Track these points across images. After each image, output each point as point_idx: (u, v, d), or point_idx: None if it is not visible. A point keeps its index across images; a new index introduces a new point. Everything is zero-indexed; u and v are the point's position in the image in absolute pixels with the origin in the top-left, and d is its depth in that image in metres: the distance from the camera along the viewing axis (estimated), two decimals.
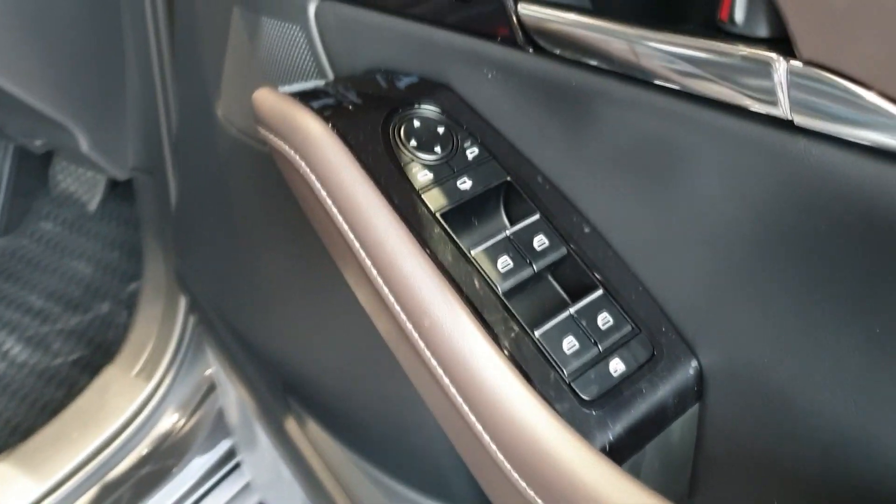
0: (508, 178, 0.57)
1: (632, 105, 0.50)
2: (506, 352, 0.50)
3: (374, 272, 0.52)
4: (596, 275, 0.55)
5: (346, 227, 0.53)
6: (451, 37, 0.59)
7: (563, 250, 0.55)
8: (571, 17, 0.51)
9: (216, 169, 0.90)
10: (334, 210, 0.54)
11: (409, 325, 0.51)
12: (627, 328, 0.53)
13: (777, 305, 0.48)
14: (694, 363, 0.53)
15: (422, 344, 0.50)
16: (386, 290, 0.52)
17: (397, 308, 0.51)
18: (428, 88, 0.61)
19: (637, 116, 0.50)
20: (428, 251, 0.52)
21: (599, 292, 0.54)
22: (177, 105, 1.00)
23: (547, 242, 0.55)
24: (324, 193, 0.54)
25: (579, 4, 0.53)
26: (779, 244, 0.46)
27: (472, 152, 0.58)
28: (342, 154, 0.54)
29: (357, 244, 0.53)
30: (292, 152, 0.56)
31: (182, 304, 1.30)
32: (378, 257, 0.52)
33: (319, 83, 0.63)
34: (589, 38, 0.50)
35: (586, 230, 0.57)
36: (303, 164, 0.55)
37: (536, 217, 0.56)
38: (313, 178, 0.55)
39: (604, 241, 0.56)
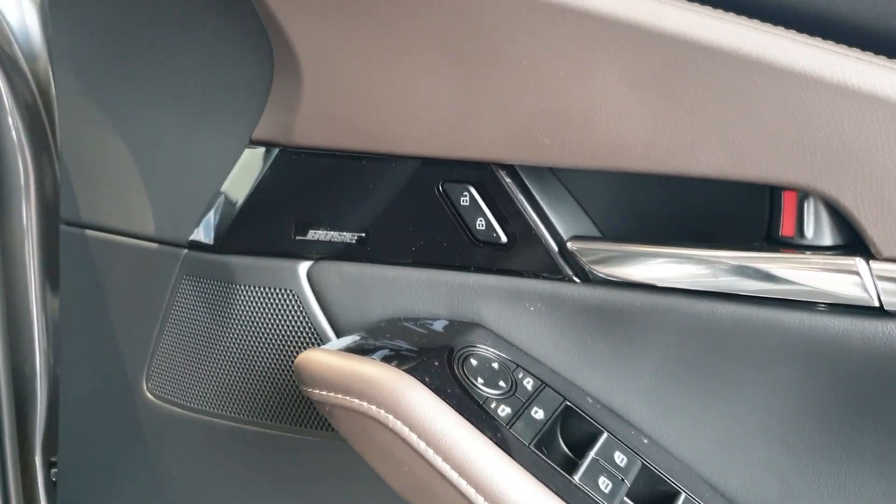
0: (567, 403, 0.60)
1: (693, 316, 0.57)
2: None
3: None
4: (672, 481, 0.58)
5: (455, 474, 0.52)
6: (485, 279, 0.63)
7: (639, 463, 0.58)
8: (630, 248, 0.57)
9: (137, 451, 0.81)
10: (438, 460, 0.53)
11: None
12: None
13: (857, 474, 0.55)
14: None
15: None
16: None
17: None
18: (462, 329, 0.63)
19: (699, 326, 0.57)
20: (542, 485, 0.53)
21: (683, 497, 0.57)
22: (61, 384, 0.89)
23: (626, 458, 0.58)
24: (423, 445, 0.53)
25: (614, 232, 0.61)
26: (857, 418, 0.53)
27: (528, 382, 0.60)
28: (434, 401, 0.54)
29: (472, 491, 0.52)
30: (373, 408, 0.54)
31: None
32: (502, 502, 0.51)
33: (355, 337, 0.62)
34: (651, 264, 0.57)
35: (645, 441, 0.60)
36: (390, 417, 0.54)
37: (606, 435, 0.59)
38: (406, 430, 0.53)
39: (663, 449, 0.60)
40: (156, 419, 0.79)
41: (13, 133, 0.95)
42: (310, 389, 0.58)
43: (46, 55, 1.01)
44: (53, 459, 1.05)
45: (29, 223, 0.98)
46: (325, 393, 0.57)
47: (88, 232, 0.82)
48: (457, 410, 0.54)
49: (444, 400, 0.55)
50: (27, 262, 1.00)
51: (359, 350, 0.59)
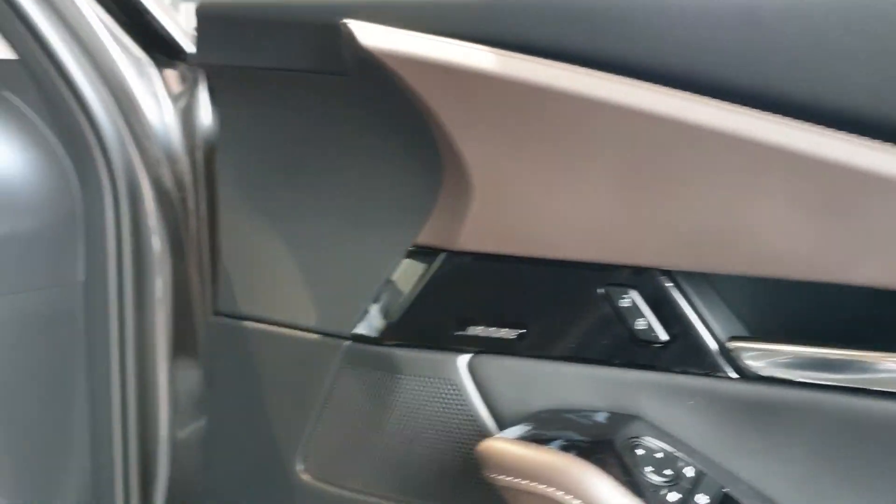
0: (726, 490, 0.65)
1: (847, 411, 0.62)
2: None
3: None
4: None
5: None
6: (644, 375, 0.68)
7: None
8: (788, 348, 0.63)
9: None
10: None
11: None
12: None
13: None
14: None
15: None
16: None
17: None
18: (624, 421, 0.68)
19: (853, 420, 0.62)
20: None
21: None
22: (211, 464, 0.95)
23: None
24: None
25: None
26: None
27: (689, 470, 0.65)
28: (616, 488, 0.60)
29: None
30: (562, 494, 0.60)
31: None
32: None
33: (526, 427, 0.68)
34: (808, 363, 0.62)
35: None
36: (579, 503, 0.59)
37: None
38: None
39: None
40: (310, 499, 0.84)
41: (155, 233, 1.03)
42: (496, 475, 0.64)
43: (185, 156, 1.10)
44: None
45: (164, 312, 1.05)
46: (511, 479, 0.62)
47: (245, 323, 0.89)
48: (635, 496, 0.60)
49: (627, 489, 0.60)
50: (157, 344, 1.07)
51: (535, 439, 0.65)
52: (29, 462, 1.02)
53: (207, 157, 1.11)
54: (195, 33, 0.84)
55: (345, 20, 0.71)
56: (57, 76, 0.88)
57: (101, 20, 0.96)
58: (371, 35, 0.69)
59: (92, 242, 0.96)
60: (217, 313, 0.92)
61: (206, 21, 0.82)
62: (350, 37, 0.70)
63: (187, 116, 1.13)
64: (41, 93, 0.91)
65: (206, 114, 1.15)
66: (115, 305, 1.03)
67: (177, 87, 1.14)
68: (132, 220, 0.99)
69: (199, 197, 1.08)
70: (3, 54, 0.94)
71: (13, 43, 0.89)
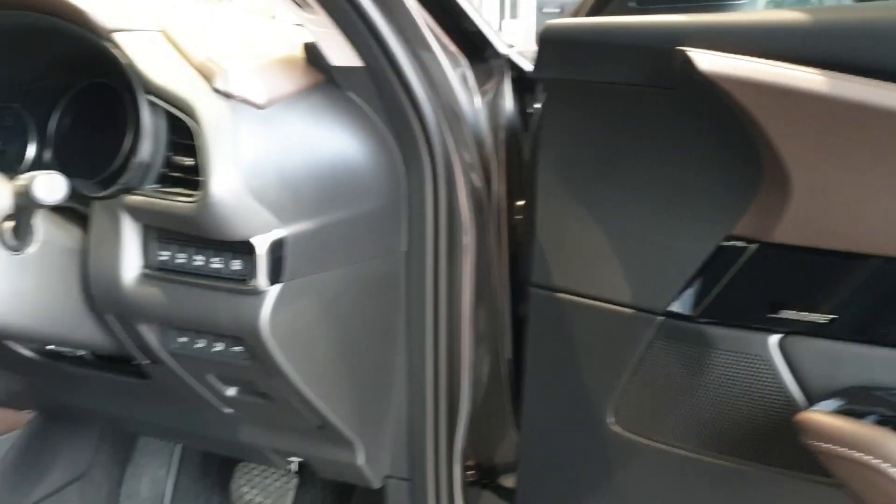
0: None
1: None
2: None
3: None
4: None
5: None
6: None
7: None
8: None
9: (598, 472, 1.01)
10: None
11: None
12: None
13: None
14: None
15: None
16: None
17: None
18: None
19: None
20: None
21: None
22: (525, 415, 1.12)
23: None
24: None
25: None
26: None
27: None
28: None
29: None
30: (877, 461, 0.70)
31: None
32: None
33: (839, 402, 0.79)
34: None
35: None
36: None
37: None
38: None
39: None
40: (619, 447, 0.99)
41: (466, 211, 1.19)
42: (815, 442, 0.75)
43: (491, 142, 1.26)
44: (469, 463, 1.30)
45: (470, 276, 1.23)
46: (831, 447, 0.74)
47: (559, 294, 1.04)
48: None
49: None
50: (464, 303, 1.25)
51: (850, 413, 0.76)
52: (363, 396, 1.24)
53: (508, 142, 1.26)
54: (537, 51, 0.98)
55: (680, 48, 0.82)
56: (395, 80, 1.04)
57: (427, 23, 1.12)
58: (707, 61, 0.80)
59: (414, 219, 1.14)
60: (532, 284, 1.08)
61: (549, 41, 0.96)
62: (686, 61, 0.81)
63: (493, 107, 1.29)
64: (380, 94, 1.07)
65: (508, 105, 1.30)
66: (431, 271, 1.21)
67: (484, 80, 1.30)
68: (447, 200, 1.16)
69: (501, 179, 1.24)
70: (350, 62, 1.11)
71: (361, 52, 1.06)
